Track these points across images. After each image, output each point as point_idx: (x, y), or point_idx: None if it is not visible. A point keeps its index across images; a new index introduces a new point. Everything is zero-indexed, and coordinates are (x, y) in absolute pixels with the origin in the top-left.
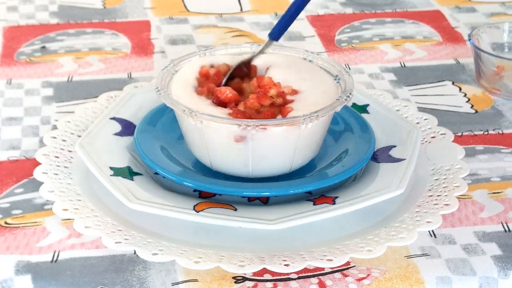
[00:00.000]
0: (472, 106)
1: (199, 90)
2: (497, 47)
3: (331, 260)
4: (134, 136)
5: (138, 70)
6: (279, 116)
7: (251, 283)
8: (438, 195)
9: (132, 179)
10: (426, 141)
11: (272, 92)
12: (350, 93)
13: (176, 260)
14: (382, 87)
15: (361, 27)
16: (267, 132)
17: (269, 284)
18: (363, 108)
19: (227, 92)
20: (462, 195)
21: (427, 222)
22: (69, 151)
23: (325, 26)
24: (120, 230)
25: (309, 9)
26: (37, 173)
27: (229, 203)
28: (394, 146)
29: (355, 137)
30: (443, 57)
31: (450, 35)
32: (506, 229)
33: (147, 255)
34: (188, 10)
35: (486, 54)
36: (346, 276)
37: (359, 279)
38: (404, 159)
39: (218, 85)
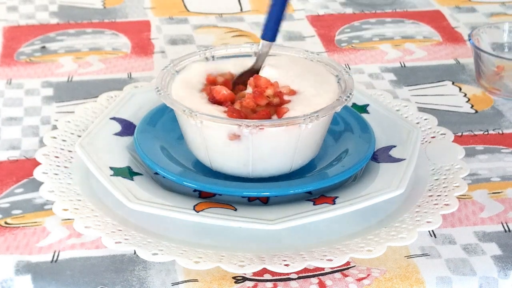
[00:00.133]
0: (472, 106)
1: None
2: (497, 47)
3: (331, 260)
4: (134, 136)
5: (138, 70)
6: (275, 116)
7: (251, 283)
8: (438, 195)
9: (132, 179)
10: (426, 141)
11: (269, 92)
12: (350, 93)
13: (176, 260)
14: (382, 87)
15: (361, 27)
16: (266, 132)
17: (269, 284)
18: (363, 108)
19: (223, 91)
20: (462, 195)
21: (427, 222)
22: (69, 151)
23: (325, 26)
24: (120, 230)
25: (309, 9)
26: (37, 173)
27: (229, 203)
28: (394, 146)
29: (355, 137)
30: (443, 57)
31: (450, 35)
32: (506, 229)
33: (147, 255)
34: (188, 10)
35: (486, 54)
36: (346, 276)
37: (359, 279)
38: (404, 159)
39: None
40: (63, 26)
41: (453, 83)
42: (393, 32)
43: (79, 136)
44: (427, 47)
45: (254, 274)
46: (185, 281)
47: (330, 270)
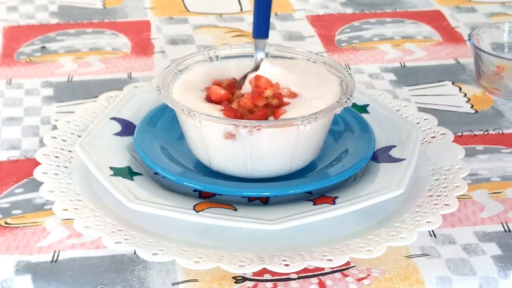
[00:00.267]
0: (472, 106)
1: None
2: (497, 47)
3: (331, 260)
4: (134, 136)
5: (138, 70)
6: (271, 118)
7: (251, 283)
8: (438, 195)
9: (132, 179)
10: (426, 141)
11: (268, 93)
12: (351, 95)
13: (176, 260)
14: (382, 87)
15: (361, 27)
16: (263, 133)
17: (269, 284)
18: (363, 108)
19: (219, 91)
20: (462, 195)
21: (427, 222)
22: (69, 151)
23: (325, 26)
24: (120, 230)
25: (309, 9)
26: (37, 173)
27: (229, 203)
28: (394, 146)
29: (355, 137)
30: (443, 57)
31: (450, 35)
32: (506, 229)
33: (147, 255)
34: (188, 10)
35: (486, 54)
36: (346, 276)
37: (359, 279)
38: (404, 159)
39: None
40: (63, 26)
41: (453, 83)
42: (393, 32)
43: (79, 136)
44: (427, 47)
45: (254, 274)
46: (185, 281)
47: (330, 270)
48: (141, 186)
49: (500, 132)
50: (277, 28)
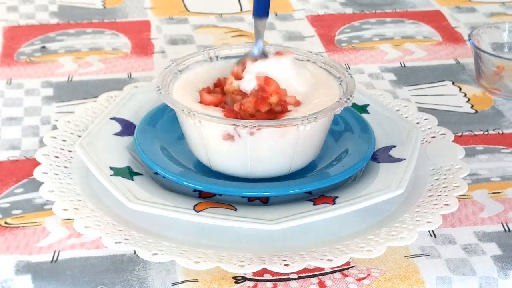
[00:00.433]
0: (472, 106)
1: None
2: (497, 47)
3: (331, 260)
4: (134, 136)
5: (138, 70)
6: None
7: (251, 283)
8: (438, 195)
9: (132, 179)
10: (426, 141)
11: (273, 99)
12: (351, 95)
13: (176, 260)
14: (382, 87)
15: (361, 27)
16: (264, 133)
17: (269, 284)
18: (363, 108)
19: (209, 98)
20: (462, 195)
21: (427, 222)
22: (69, 151)
23: (325, 26)
24: (120, 230)
25: (309, 9)
26: (37, 173)
27: (229, 203)
28: (394, 146)
29: (355, 137)
30: (443, 57)
31: (450, 35)
32: (506, 229)
33: (147, 255)
34: (188, 10)
35: (486, 54)
36: (346, 276)
37: (359, 279)
38: (404, 159)
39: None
40: (63, 26)
41: (453, 83)
42: (393, 32)
43: (79, 136)
44: (427, 47)
45: (254, 274)
46: (185, 281)
47: (330, 270)
48: (141, 186)
49: (500, 132)
50: (277, 28)
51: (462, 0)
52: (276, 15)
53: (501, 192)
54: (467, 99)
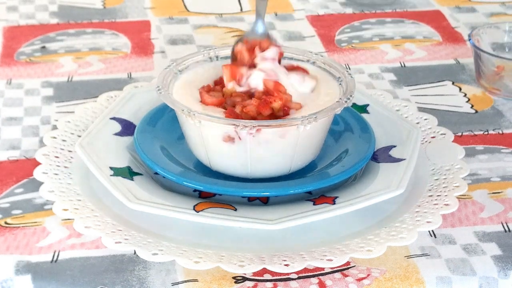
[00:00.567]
0: (472, 106)
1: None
2: (497, 47)
3: (331, 260)
4: (134, 136)
5: (138, 70)
6: None
7: (251, 283)
8: (438, 195)
9: (132, 179)
10: (426, 141)
11: (275, 105)
12: (351, 95)
13: (176, 260)
14: (382, 87)
15: (361, 27)
16: (264, 133)
17: (269, 284)
18: (363, 108)
19: (210, 100)
20: (462, 195)
21: (427, 222)
22: (69, 151)
23: (325, 26)
24: (120, 230)
25: (309, 9)
26: (37, 173)
27: (229, 203)
28: (394, 146)
29: (355, 137)
30: (443, 57)
31: (450, 35)
32: (506, 229)
33: (147, 255)
34: (188, 10)
35: (486, 54)
36: (346, 276)
37: (359, 279)
38: (404, 159)
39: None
40: (63, 26)
41: (453, 83)
42: (393, 32)
43: (79, 136)
44: (427, 47)
45: (254, 274)
46: (185, 281)
47: (330, 270)
48: (141, 186)
49: (500, 132)
50: (277, 28)
51: (462, 0)
52: (276, 15)
53: (501, 192)
54: (467, 99)
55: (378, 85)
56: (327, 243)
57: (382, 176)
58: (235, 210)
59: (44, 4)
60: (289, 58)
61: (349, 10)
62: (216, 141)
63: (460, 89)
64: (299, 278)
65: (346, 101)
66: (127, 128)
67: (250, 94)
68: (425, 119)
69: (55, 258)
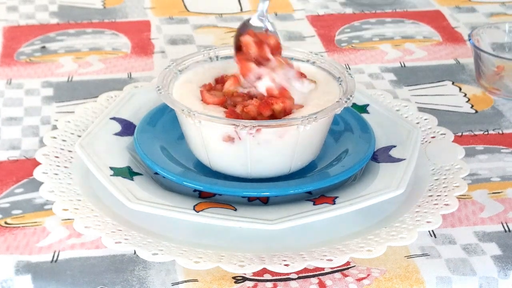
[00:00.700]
0: (472, 106)
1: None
2: (497, 47)
3: (331, 260)
4: (134, 136)
5: (138, 70)
6: None
7: (251, 283)
8: (438, 195)
9: (132, 179)
10: (426, 141)
11: (277, 107)
12: (351, 95)
13: (176, 260)
14: (382, 87)
15: (361, 27)
16: (264, 133)
17: (269, 284)
18: (363, 108)
19: (212, 99)
20: (462, 195)
21: (427, 222)
22: (69, 151)
23: (325, 26)
24: (120, 230)
25: (309, 9)
26: (37, 173)
27: (229, 203)
28: (394, 146)
29: (355, 137)
30: (443, 57)
31: (450, 35)
32: (506, 229)
33: (147, 255)
34: (188, 10)
35: (486, 54)
36: (346, 276)
37: (359, 279)
38: (404, 159)
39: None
40: (63, 26)
41: (453, 83)
42: (393, 32)
43: (79, 136)
44: (427, 47)
45: (254, 274)
46: (185, 281)
47: (330, 270)
48: (141, 186)
49: (500, 132)
50: (277, 28)
51: (462, 0)
52: (276, 15)
53: (501, 192)
54: (467, 99)
55: (378, 85)
56: (327, 243)
57: (382, 176)
58: (235, 210)
59: (44, 4)
60: (289, 58)
61: (349, 10)
62: (216, 141)
63: (460, 89)
64: (299, 278)
65: (346, 101)
66: (127, 128)
67: (251, 95)
68: (425, 119)
69: (55, 258)
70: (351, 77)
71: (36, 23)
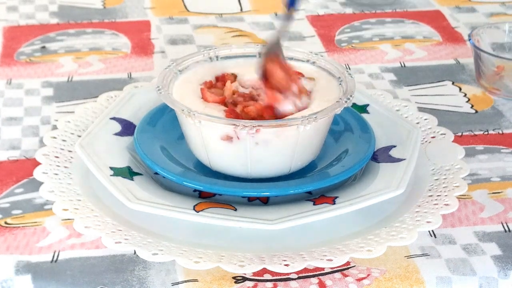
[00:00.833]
0: (472, 106)
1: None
2: (497, 47)
3: (331, 260)
4: (134, 136)
5: (138, 70)
6: None
7: (251, 283)
8: (438, 195)
9: (132, 179)
10: (426, 141)
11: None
12: (351, 95)
13: (176, 260)
14: (382, 87)
15: (361, 27)
16: (264, 133)
17: (269, 284)
18: (363, 108)
19: (213, 98)
20: (462, 195)
21: (427, 222)
22: (69, 151)
23: (325, 26)
24: (120, 230)
25: (309, 9)
26: (37, 173)
27: (229, 203)
28: (394, 146)
29: (355, 137)
30: (443, 57)
31: (450, 35)
32: (506, 229)
33: (147, 255)
34: (188, 10)
35: (486, 54)
36: (346, 276)
37: (359, 279)
38: (404, 159)
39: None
40: (63, 26)
41: (453, 83)
42: (393, 32)
43: (79, 136)
44: (427, 47)
45: (254, 274)
46: (185, 281)
47: (330, 270)
48: (141, 186)
49: (500, 132)
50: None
51: (462, 0)
52: (276, 15)
53: (501, 192)
54: (467, 99)
55: (378, 85)
56: (327, 243)
57: (382, 176)
58: (235, 210)
59: (44, 4)
60: (289, 58)
61: (349, 10)
62: (216, 141)
63: (460, 89)
64: (299, 278)
65: (346, 101)
66: (127, 128)
67: (251, 95)
68: (425, 119)
69: (55, 258)
70: (351, 77)
71: (36, 23)
